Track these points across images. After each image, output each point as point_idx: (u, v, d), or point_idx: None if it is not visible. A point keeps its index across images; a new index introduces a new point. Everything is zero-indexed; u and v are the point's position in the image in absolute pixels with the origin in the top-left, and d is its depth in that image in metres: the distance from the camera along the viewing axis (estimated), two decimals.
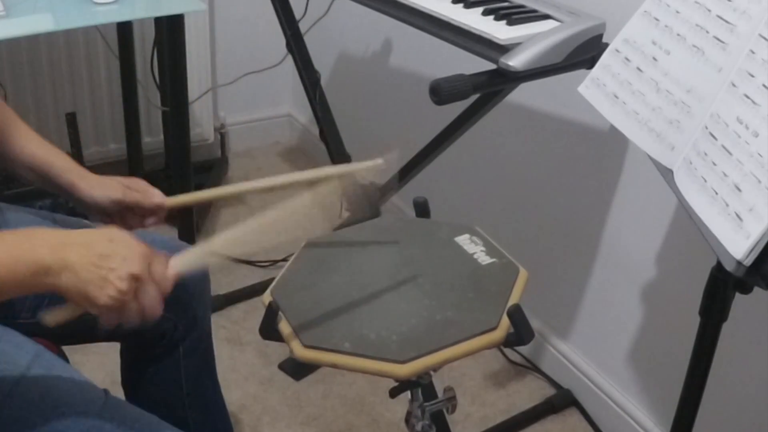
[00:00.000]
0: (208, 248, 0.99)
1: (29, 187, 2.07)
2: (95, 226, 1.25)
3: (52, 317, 0.90)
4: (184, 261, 0.96)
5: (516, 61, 1.31)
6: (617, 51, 1.14)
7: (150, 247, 0.91)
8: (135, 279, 0.87)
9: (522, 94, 1.80)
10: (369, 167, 1.14)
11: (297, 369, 1.94)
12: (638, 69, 1.10)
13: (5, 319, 1.12)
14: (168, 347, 1.30)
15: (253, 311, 2.13)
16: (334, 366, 0.99)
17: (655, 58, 1.08)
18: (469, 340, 1.00)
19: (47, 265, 0.84)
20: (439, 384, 1.28)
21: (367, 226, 1.28)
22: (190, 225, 2.12)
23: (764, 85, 0.89)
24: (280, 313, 1.04)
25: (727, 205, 0.89)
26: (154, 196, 1.20)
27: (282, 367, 1.95)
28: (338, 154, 2.05)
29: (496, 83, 1.37)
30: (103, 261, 0.86)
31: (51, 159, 1.18)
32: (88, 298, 0.85)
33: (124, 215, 1.20)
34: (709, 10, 1.01)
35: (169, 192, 1.25)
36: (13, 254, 0.84)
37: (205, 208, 2.55)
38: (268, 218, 1.01)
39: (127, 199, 1.18)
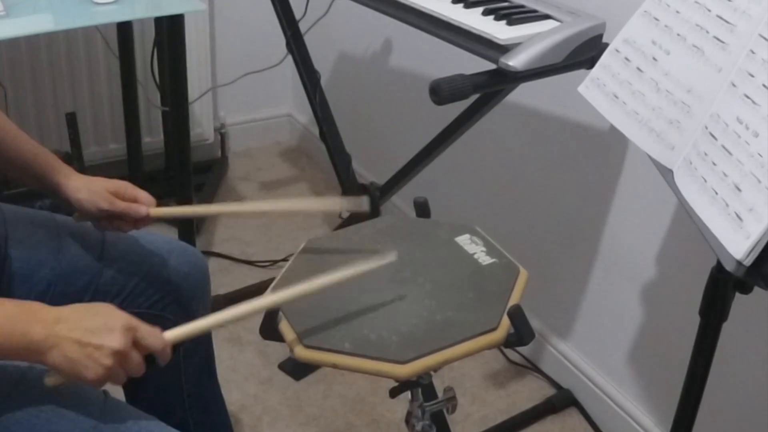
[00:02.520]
0: (204, 323, 1.02)
1: (29, 187, 2.07)
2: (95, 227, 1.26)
3: (52, 380, 0.94)
4: (179, 332, 0.99)
5: (516, 61, 1.31)
6: (617, 51, 1.14)
7: (134, 318, 0.95)
8: (119, 354, 0.91)
9: (522, 94, 1.80)
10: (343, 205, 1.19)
11: (297, 369, 1.93)
12: (638, 69, 1.10)
13: None
14: None
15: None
16: (334, 366, 0.99)
17: (655, 58, 1.08)
18: (469, 341, 1.00)
19: (37, 341, 0.89)
20: (439, 384, 1.28)
21: (367, 226, 1.28)
22: (190, 225, 2.12)
23: (764, 85, 0.89)
24: (280, 313, 1.04)
25: (727, 205, 0.89)
26: (139, 208, 1.18)
27: (282, 367, 1.95)
28: (338, 154, 2.05)
29: (496, 83, 1.37)
30: (87, 338, 0.90)
31: (39, 158, 1.17)
32: (75, 374, 0.90)
33: (111, 219, 1.19)
34: (709, 10, 1.01)
35: (168, 193, 1.25)
36: (10, 325, 0.89)
37: None
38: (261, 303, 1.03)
39: (112, 209, 1.17)
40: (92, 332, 0.90)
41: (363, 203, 1.20)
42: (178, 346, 1.30)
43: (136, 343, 0.93)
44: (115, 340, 0.91)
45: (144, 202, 1.19)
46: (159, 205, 1.22)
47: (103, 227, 1.20)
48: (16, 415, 0.95)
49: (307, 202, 1.11)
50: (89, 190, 1.17)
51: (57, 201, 1.20)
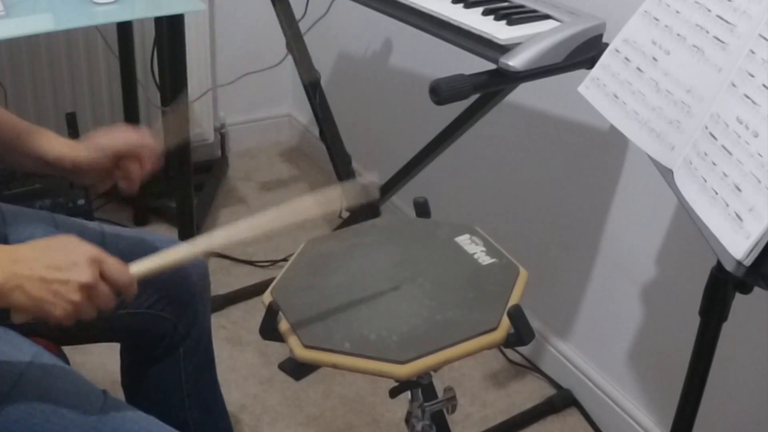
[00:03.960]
0: (167, 255, 1.00)
1: (29, 187, 2.07)
2: (95, 227, 1.26)
3: (17, 318, 0.90)
4: (144, 265, 0.98)
5: (516, 61, 1.31)
6: (617, 51, 1.14)
7: (101, 249, 0.91)
8: (86, 287, 0.88)
9: (522, 94, 1.80)
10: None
11: (297, 369, 1.93)
12: (638, 69, 1.10)
13: (4, 320, 1.12)
14: (168, 348, 1.30)
15: (253, 311, 2.13)
16: (334, 366, 0.99)
17: (655, 58, 1.08)
18: (469, 341, 1.00)
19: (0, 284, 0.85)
20: (439, 384, 1.28)
21: (367, 226, 1.28)
22: (190, 225, 2.12)
23: (764, 85, 0.89)
24: (280, 313, 1.04)
25: (727, 205, 0.89)
26: (143, 136, 1.14)
27: (282, 367, 1.94)
28: (338, 154, 2.05)
29: (496, 83, 1.37)
30: (51, 274, 0.87)
31: (33, 137, 1.14)
32: (43, 312, 0.87)
33: (121, 167, 1.15)
34: (709, 10, 1.01)
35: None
36: None
37: (205, 208, 2.55)
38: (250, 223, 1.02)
39: (120, 146, 1.13)
40: (56, 268, 0.87)
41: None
42: (178, 347, 1.30)
43: (102, 276, 0.90)
44: (82, 274, 0.87)
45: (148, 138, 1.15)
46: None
47: (120, 179, 1.15)
48: (15, 414, 0.95)
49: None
50: (89, 145, 1.13)
51: (60, 173, 1.15)
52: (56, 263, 0.88)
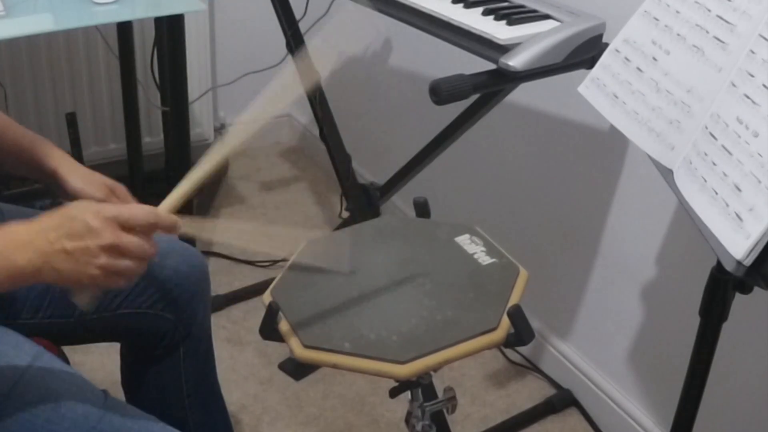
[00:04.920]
0: (189, 179, 0.99)
1: (29, 187, 2.07)
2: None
3: (79, 299, 0.90)
4: (171, 200, 0.97)
5: (516, 61, 1.31)
6: (617, 51, 1.14)
7: (115, 206, 0.90)
8: (110, 248, 0.86)
9: (522, 94, 1.80)
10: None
11: (297, 369, 1.93)
12: (638, 69, 1.10)
13: (5, 320, 1.12)
14: (168, 348, 1.30)
15: (253, 311, 2.13)
16: (334, 366, 0.99)
17: (655, 58, 1.08)
18: (469, 341, 1.00)
19: (23, 266, 0.84)
20: (439, 384, 1.28)
21: (367, 226, 1.28)
22: None
23: (764, 85, 0.89)
24: (280, 313, 1.04)
25: (727, 205, 0.89)
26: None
27: (282, 367, 1.94)
28: (338, 154, 2.05)
29: (496, 83, 1.36)
30: (71, 244, 0.85)
31: (36, 145, 1.16)
32: (75, 284, 0.86)
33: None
34: (709, 10, 1.01)
35: (168, 192, 1.24)
36: None
37: (205, 208, 2.55)
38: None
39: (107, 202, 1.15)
40: (72, 236, 0.85)
41: (341, 263, 1.15)
42: (178, 347, 1.30)
43: (126, 228, 0.88)
44: (103, 237, 0.85)
45: None
46: (159, 205, 1.21)
47: None
48: (15, 415, 0.95)
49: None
50: (87, 179, 1.15)
51: (54, 189, 1.17)
52: (72, 232, 0.86)
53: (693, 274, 1.29)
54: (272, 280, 1.15)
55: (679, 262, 1.58)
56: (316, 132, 2.07)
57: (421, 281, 1.11)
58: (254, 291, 2.17)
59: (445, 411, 1.18)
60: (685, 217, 1.01)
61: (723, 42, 0.98)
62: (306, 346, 1.00)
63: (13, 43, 2.31)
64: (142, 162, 2.56)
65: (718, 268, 1.04)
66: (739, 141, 0.90)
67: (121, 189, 1.19)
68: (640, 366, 1.73)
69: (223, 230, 1.05)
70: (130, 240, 0.88)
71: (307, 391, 1.89)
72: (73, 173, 1.15)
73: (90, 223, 0.86)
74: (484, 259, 1.15)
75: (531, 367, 2.00)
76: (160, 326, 1.27)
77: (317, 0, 2.19)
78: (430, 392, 1.23)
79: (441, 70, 1.38)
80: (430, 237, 1.22)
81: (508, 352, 2.02)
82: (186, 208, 2.20)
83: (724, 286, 1.05)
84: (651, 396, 1.71)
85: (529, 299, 1.11)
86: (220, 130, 2.83)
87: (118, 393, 1.32)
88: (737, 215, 0.87)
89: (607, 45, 1.19)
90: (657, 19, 1.09)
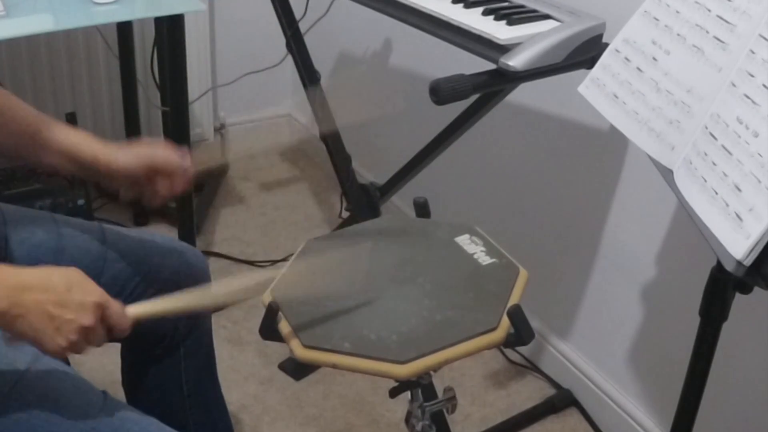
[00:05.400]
0: (167, 302, 1.03)
1: (29, 187, 2.07)
2: (95, 227, 1.26)
3: (11, 341, 0.92)
4: (143, 307, 1.00)
5: (516, 61, 1.31)
6: (617, 51, 1.14)
7: (105, 294, 0.94)
8: (86, 330, 0.90)
9: (522, 94, 1.80)
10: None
11: (297, 369, 1.94)
12: (638, 69, 1.10)
13: None
14: (169, 348, 1.30)
15: (253, 311, 2.13)
16: (334, 366, 0.99)
17: (655, 58, 1.08)
18: (469, 341, 1.00)
19: (3, 310, 0.87)
20: (439, 384, 1.28)
21: (367, 226, 1.28)
22: (190, 225, 2.12)
23: (764, 85, 0.89)
24: (280, 313, 1.04)
25: (727, 205, 0.89)
26: (181, 155, 1.14)
27: (282, 367, 1.95)
28: (338, 154, 2.05)
29: (496, 83, 1.37)
30: (57, 311, 0.88)
31: (77, 140, 1.14)
32: (39, 343, 0.89)
33: (152, 181, 1.14)
34: (709, 10, 1.01)
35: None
36: None
37: (205, 208, 2.55)
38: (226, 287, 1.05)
39: (156, 159, 1.13)
40: (64, 306, 0.89)
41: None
42: (179, 347, 1.30)
43: (102, 319, 0.93)
44: (87, 318, 0.90)
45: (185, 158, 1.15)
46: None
47: (147, 192, 1.15)
48: (15, 415, 0.95)
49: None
50: (127, 151, 1.13)
51: (99, 179, 1.14)
52: (64, 301, 0.89)
53: (693, 274, 1.29)
54: (272, 280, 1.15)
55: (679, 262, 1.58)
56: (316, 132, 2.07)
57: (421, 281, 1.11)
58: (254, 291, 2.17)
59: (445, 411, 1.18)
60: (685, 217, 1.01)
61: (723, 42, 0.98)
62: (306, 346, 1.00)
63: (13, 43, 2.31)
64: None
65: (718, 268, 1.04)
66: (739, 141, 0.90)
67: (161, 147, 1.14)
68: (640, 366, 1.73)
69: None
70: (101, 331, 0.93)
71: (307, 391, 1.89)
72: (116, 155, 1.12)
73: (83, 300, 0.90)
74: (484, 259, 1.15)
75: (531, 367, 2.00)
76: (160, 326, 1.26)
77: (317, 0, 2.19)
78: (430, 392, 1.23)
79: (441, 70, 1.38)
80: (430, 237, 1.22)
81: (508, 352, 2.02)
82: (186, 208, 2.19)
83: (724, 286, 1.05)
84: (651, 396, 1.71)
85: (529, 299, 1.11)
86: (220, 130, 2.83)
87: (118, 393, 1.32)
88: (737, 215, 0.87)
89: (607, 45, 1.19)
90: (657, 19, 1.09)
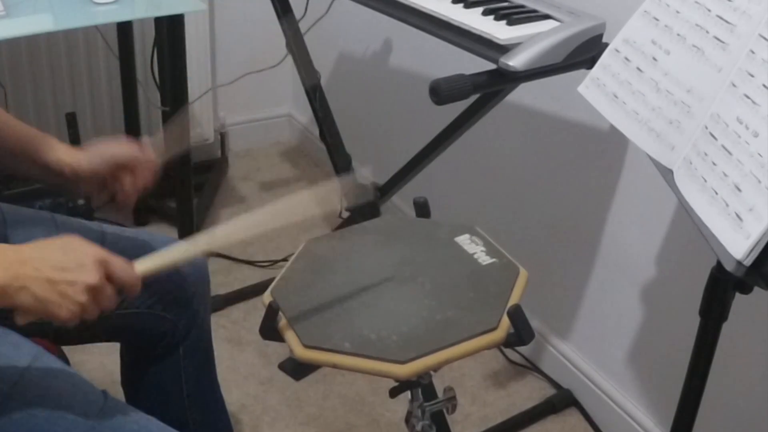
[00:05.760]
0: (172, 253, 1.01)
1: (29, 187, 2.07)
2: (95, 227, 1.26)
3: (21, 319, 0.90)
4: (148, 262, 0.99)
5: (516, 61, 1.31)
6: (617, 51, 1.14)
7: (105, 249, 0.92)
8: (93, 289, 0.89)
9: (522, 94, 1.80)
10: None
11: (297, 369, 1.93)
12: (638, 69, 1.10)
13: (5, 320, 1.12)
14: (168, 348, 1.30)
15: (253, 311, 2.13)
16: (334, 366, 0.99)
17: (655, 58, 1.08)
18: (469, 341, 1.00)
19: (4, 285, 0.85)
20: (439, 384, 1.28)
21: (367, 226, 1.28)
22: (190, 225, 2.12)
23: (764, 85, 0.89)
24: (280, 313, 1.04)
25: (727, 205, 0.89)
26: (142, 148, 1.16)
27: (282, 367, 1.95)
28: (338, 154, 2.05)
29: (496, 83, 1.37)
30: (59, 275, 0.87)
31: (36, 141, 1.15)
32: (47, 313, 0.87)
33: (118, 179, 1.16)
34: (709, 10, 1.01)
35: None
36: None
37: (205, 208, 2.55)
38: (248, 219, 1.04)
39: (118, 154, 1.14)
40: (63, 269, 0.87)
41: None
42: (178, 347, 1.30)
43: (108, 276, 0.91)
44: (89, 275, 0.88)
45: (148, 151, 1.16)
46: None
47: (115, 191, 1.16)
48: (15, 415, 0.95)
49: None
50: (89, 153, 1.14)
51: (59, 184, 1.16)
52: (63, 264, 0.88)
53: (693, 274, 1.29)
54: (272, 280, 1.15)
55: (679, 262, 1.58)
56: (316, 132, 2.07)
57: (421, 281, 1.11)
58: (254, 291, 2.17)
59: (445, 411, 1.18)
60: (685, 217, 1.01)
61: (723, 42, 0.98)
62: (306, 346, 1.00)
63: (13, 43, 2.31)
64: None
65: (718, 268, 1.04)
66: (739, 141, 0.90)
67: (122, 142, 1.16)
68: (640, 366, 1.73)
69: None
70: (109, 289, 0.91)
71: (307, 391, 1.89)
72: (74, 153, 1.14)
73: (82, 259, 0.89)
74: (484, 259, 1.15)
75: (531, 367, 2.00)
76: (160, 326, 1.27)
77: (317, 0, 2.19)
78: (430, 392, 1.23)
79: (441, 70, 1.38)
80: (430, 237, 1.22)
81: (508, 352, 2.02)
82: (186, 208, 2.19)
83: (724, 286, 1.05)
84: (651, 396, 1.71)
85: (529, 299, 1.11)
86: (219, 130, 2.83)
87: (118, 393, 1.32)
88: (737, 215, 0.87)
89: (607, 45, 1.19)
90: (657, 19, 1.09)
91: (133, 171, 1.16)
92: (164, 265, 1.00)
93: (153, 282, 1.24)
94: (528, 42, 1.34)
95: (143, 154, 1.16)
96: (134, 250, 1.25)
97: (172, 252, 1.01)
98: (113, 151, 1.14)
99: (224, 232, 1.05)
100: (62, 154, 1.14)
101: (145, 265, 0.98)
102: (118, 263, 0.93)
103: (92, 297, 0.89)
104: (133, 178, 1.16)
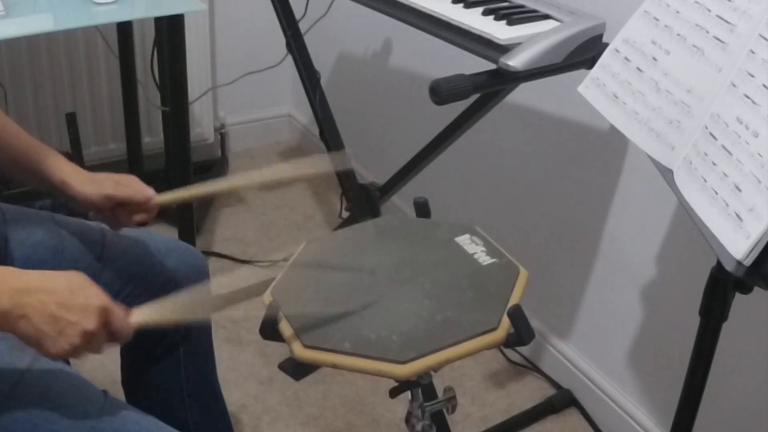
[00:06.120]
0: (170, 309, 1.02)
1: (29, 187, 2.07)
2: (95, 227, 1.26)
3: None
4: (146, 313, 0.99)
5: (516, 61, 1.31)
6: (617, 51, 1.14)
7: (109, 298, 0.93)
8: (88, 334, 0.89)
9: (522, 94, 1.80)
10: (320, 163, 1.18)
11: (297, 369, 1.94)
12: (638, 69, 1.10)
13: None
14: (168, 348, 1.30)
15: (253, 311, 2.13)
16: (334, 366, 0.99)
17: (655, 58, 1.08)
18: (469, 341, 1.00)
19: (6, 311, 0.86)
20: (439, 384, 1.28)
21: (367, 226, 1.28)
22: (190, 225, 2.12)
23: (764, 85, 0.89)
24: (280, 312, 1.04)
25: (727, 205, 0.89)
26: (145, 190, 1.19)
27: (282, 367, 1.95)
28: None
29: (496, 83, 1.37)
30: (61, 313, 0.88)
31: (41, 157, 1.17)
32: (40, 346, 0.88)
33: (114, 211, 1.19)
34: (709, 10, 1.01)
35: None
36: None
37: (205, 208, 2.55)
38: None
39: (117, 194, 1.17)
40: (68, 308, 0.88)
41: (343, 160, 1.19)
42: (178, 347, 1.30)
43: (105, 323, 0.92)
44: (89, 321, 0.89)
45: (150, 193, 1.19)
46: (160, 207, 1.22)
47: (110, 220, 1.20)
48: (15, 414, 0.95)
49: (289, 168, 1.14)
50: (94, 181, 1.17)
51: (61, 199, 1.20)
52: (68, 303, 0.89)
53: (693, 274, 1.29)
54: (272, 280, 1.15)
55: (679, 262, 1.58)
56: (316, 132, 2.07)
57: (421, 281, 1.11)
58: (254, 291, 2.17)
59: (445, 411, 1.18)
60: (685, 217, 1.01)
61: (723, 42, 0.98)
62: (306, 346, 1.00)
63: (13, 43, 2.31)
64: (142, 162, 2.56)
65: (718, 268, 1.04)
66: (739, 141, 0.90)
67: (130, 179, 1.20)
68: (640, 366, 1.73)
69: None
70: (103, 336, 0.92)
71: (307, 391, 1.89)
72: (80, 179, 1.17)
73: (87, 303, 0.90)
74: (484, 259, 1.15)
75: (531, 367, 2.00)
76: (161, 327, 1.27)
77: (317, 0, 2.19)
78: (430, 392, 1.23)
79: (441, 70, 1.38)
80: (430, 237, 1.22)
81: (508, 352, 2.02)
82: (186, 208, 2.19)
83: (724, 286, 1.05)
84: (651, 396, 1.71)
85: (529, 299, 1.11)
86: (219, 130, 2.83)
87: (118, 393, 1.32)
88: (737, 215, 0.87)
89: (607, 45, 1.19)
90: (657, 19, 1.09)
91: (126, 209, 1.19)
92: (161, 320, 1.02)
93: (153, 282, 1.24)
94: (528, 42, 1.34)
95: (142, 197, 1.19)
96: (134, 250, 1.26)
97: (170, 309, 1.02)
98: (114, 189, 1.17)
99: (221, 293, 1.06)
100: (68, 174, 1.17)
101: (141, 316, 0.99)
102: (118, 314, 0.94)
103: (85, 341, 0.90)
104: (125, 215, 1.20)
